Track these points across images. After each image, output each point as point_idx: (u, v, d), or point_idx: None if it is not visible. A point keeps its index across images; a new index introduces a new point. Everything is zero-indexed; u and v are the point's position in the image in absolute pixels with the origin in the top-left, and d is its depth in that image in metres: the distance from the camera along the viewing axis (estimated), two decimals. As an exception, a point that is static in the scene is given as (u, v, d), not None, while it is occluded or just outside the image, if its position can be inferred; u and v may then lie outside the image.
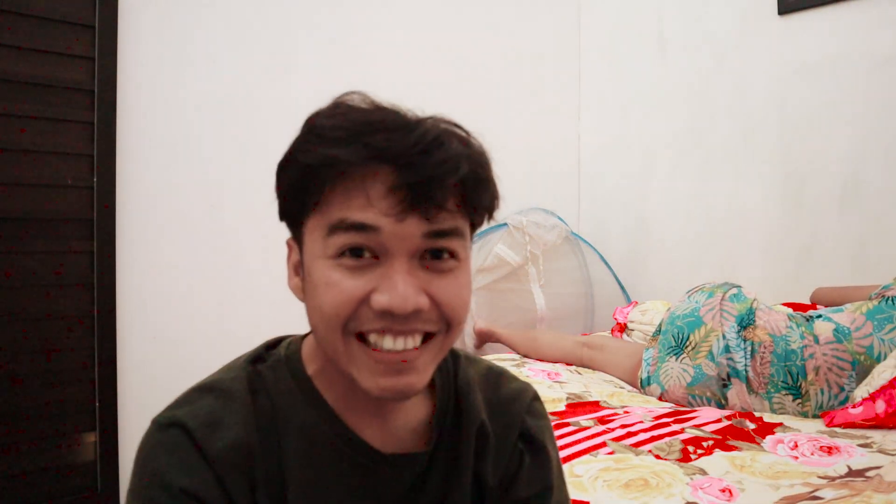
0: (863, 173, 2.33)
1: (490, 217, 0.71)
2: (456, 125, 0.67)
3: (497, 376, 0.83)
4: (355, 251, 0.62)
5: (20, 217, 1.90)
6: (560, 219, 2.97)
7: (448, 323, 0.66)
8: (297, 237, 0.68)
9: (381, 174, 0.61)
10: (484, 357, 0.82)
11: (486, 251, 2.76)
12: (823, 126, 2.43)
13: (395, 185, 0.61)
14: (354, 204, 0.62)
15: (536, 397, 0.84)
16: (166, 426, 0.65)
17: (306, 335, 0.75)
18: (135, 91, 2.09)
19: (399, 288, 0.61)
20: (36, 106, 1.91)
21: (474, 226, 0.70)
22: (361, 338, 0.64)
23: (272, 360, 0.74)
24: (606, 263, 3.01)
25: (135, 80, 2.09)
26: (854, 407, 1.66)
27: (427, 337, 0.65)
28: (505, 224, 2.81)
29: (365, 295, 0.62)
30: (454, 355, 0.82)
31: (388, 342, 0.63)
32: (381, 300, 0.61)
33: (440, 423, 0.76)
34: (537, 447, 0.80)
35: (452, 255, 0.65)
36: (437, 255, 0.64)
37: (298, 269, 0.69)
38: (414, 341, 0.64)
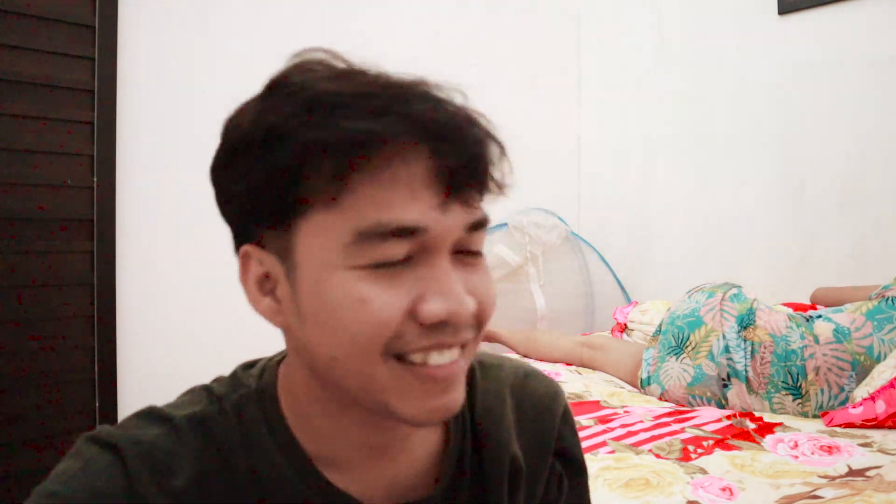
0: (862, 173, 2.34)
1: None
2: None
3: (522, 381, 0.69)
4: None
5: (20, 217, 1.90)
6: (560, 219, 2.97)
7: (479, 326, 0.55)
8: (276, 243, 0.52)
9: (415, 156, 0.49)
10: (499, 355, 0.73)
11: (486, 251, 2.75)
12: (823, 126, 2.43)
13: (438, 168, 0.49)
14: (392, 198, 0.48)
15: (567, 405, 0.71)
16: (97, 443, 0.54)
17: (281, 360, 0.61)
18: (135, 91, 2.09)
19: (455, 291, 0.50)
20: (36, 106, 1.91)
21: None
22: (399, 358, 0.51)
23: (240, 393, 0.59)
24: (606, 263, 3.01)
25: (135, 80, 2.09)
26: (854, 407, 1.66)
27: (462, 345, 0.54)
28: (505, 224, 2.81)
29: (411, 306, 0.50)
30: (476, 362, 0.68)
31: (434, 357, 0.51)
32: (436, 309, 0.49)
33: (457, 456, 0.63)
34: (577, 467, 0.70)
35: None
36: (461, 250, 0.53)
37: (264, 284, 0.54)
38: (458, 351, 0.53)
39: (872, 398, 1.64)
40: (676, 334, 2.00)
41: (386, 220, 0.48)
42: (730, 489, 1.26)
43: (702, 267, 2.74)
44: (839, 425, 1.62)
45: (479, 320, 0.54)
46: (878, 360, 1.77)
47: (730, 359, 1.88)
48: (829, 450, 1.45)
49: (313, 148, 0.48)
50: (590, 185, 3.22)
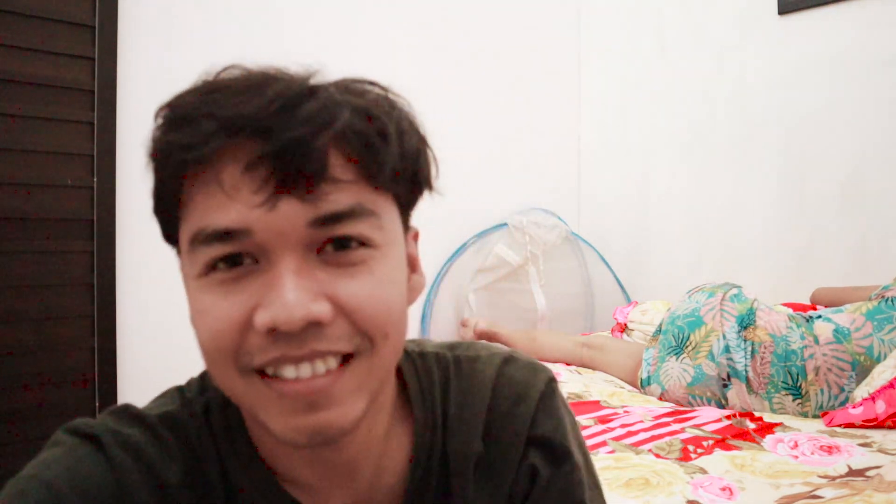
0: (863, 173, 2.33)
1: (427, 185, 0.55)
2: (363, 81, 0.52)
3: (499, 370, 0.63)
4: (230, 259, 0.47)
5: (20, 217, 1.90)
6: (560, 219, 2.97)
7: (368, 338, 0.49)
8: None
9: (234, 153, 0.46)
10: (479, 345, 0.67)
11: (486, 251, 2.76)
12: (823, 126, 2.43)
13: (252, 160, 0.45)
14: (211, 203, 0.47)
15: (549, 389, 0.63)
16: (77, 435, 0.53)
17: None
18: (135, 91, 2.09)
19: (285, 295, 0.45)
20: (35, 106, 1.91)
21: (403, 200, 0.53)
22: (261, 372, 0.48)
23: (207, 396, 0.58)
24: (606, 263, 3.01)
25: (135, 80, 2.09)
26: (854, 407, 1.66)
27: (347, 358, 0.49)
28: (505, 224, 2.81)
29: (247, 316, 0.47)
30: (442, 364, 0.63)
31: (288, 370, 0.47)
32: (263, 317, 0.46)
33: (424, 464, 0.59)
34: (557, 455, 0.61)
35: (364, 242, 0.49)
36: (343, 246, 0.48)
37: None
38: (325, 364, 0.47)
39: (872, 398, 1.64)
40: (676, 334, 2.00)
41: (204, 225, 0.47)
42: (730, 489, 1.26)
43: (702, 267, 2.74)
44: (839, 425, 1.62)
45: (361, 328, 0.48)
46: (877, 361, 1.77)
47: (730, 359, 1.88)
48: (829, 450, 1.45)
49: (153, 166, 0.49)
50: (590, 185, 3.22)
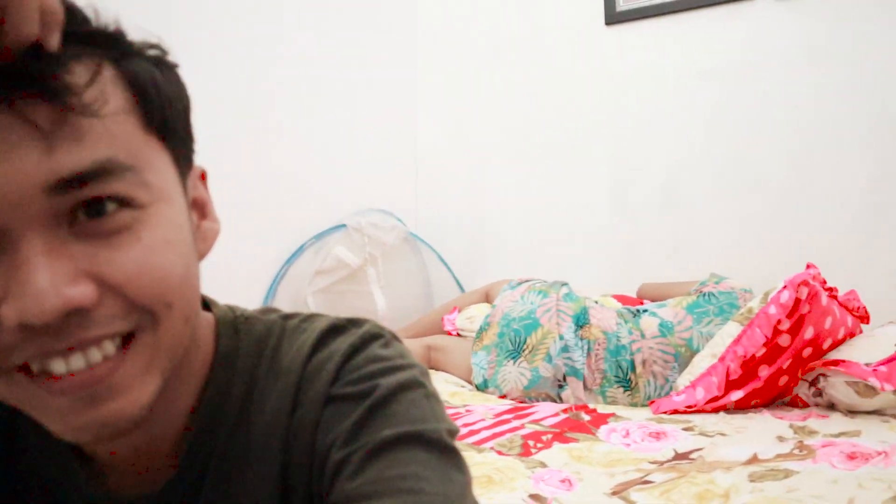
0: (679, 178, 2.50)
1: (179, 116, 0.49)
2: None
3: (319, 339, 0.54)
4: None
5: None
6: (399, 219, 2.95)
7: (148, 312, 0.42)
8: None
9: None
10: (330, 317, 0.58)
11: (325, 253, 2.69)
12: (647, 133, 2.58)
13: None
14: None
15: (362, 343, 0.53)
16: None
17: None
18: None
19: (35, 282, 0.37)
20: None
21: (174, 138, 0.47)
22: (24, 369, 0.41)
23: None
24: (445, 263, 3.03)
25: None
26: (677, 395, 1.77)
27: (128, 338, 0.42)
28: (343, 225, 2.76)
29: None
30: (267, 331, 0.55)
31: (57, 365, 0.40)
32: (8, 312, 0.38)
33: (205, 438, 0.51)
34: (351, 400, 0.50)
35: (125, 202, 0.41)
36: (98, 211, 0.40)
37: None
38: (101, 350, 0.41)
39: (693, 386, 1.76)
40: (513, 338, 2.03)
41: None
42: (569, 480, 1.29)
43: (537, 264, 2.81)
44: (665, 412, 1.72)
45: (138, 303, 0.41)
46: (696, 351, 1.89)
47: (568, 358, 1.93)
48: (657, 436, 1.52)
49: None
50: (428, 186, 3.23)
